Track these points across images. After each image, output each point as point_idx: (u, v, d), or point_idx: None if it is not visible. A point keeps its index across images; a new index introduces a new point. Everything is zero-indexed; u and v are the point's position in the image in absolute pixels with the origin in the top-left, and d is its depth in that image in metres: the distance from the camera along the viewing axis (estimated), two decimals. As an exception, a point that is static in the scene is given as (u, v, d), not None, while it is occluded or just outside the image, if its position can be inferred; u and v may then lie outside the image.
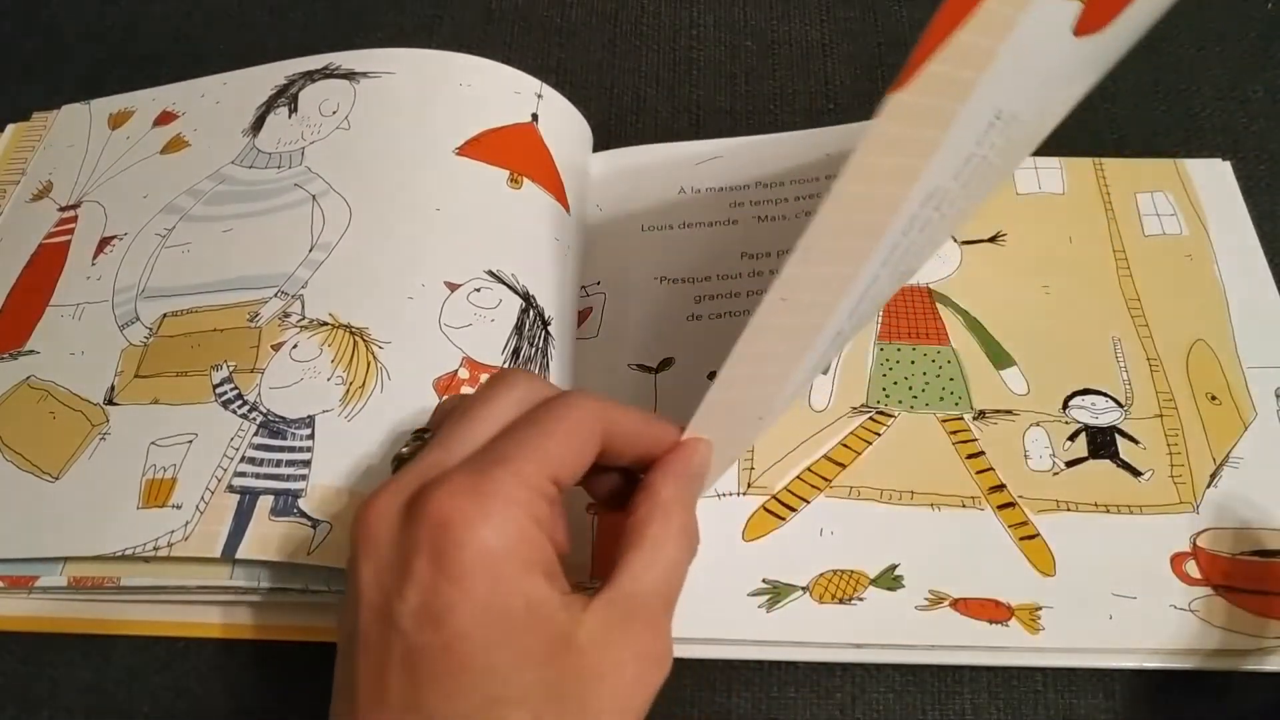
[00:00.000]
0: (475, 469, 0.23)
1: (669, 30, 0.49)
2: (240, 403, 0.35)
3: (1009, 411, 0.36)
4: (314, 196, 0.40)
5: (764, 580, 0.33)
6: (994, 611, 0.32)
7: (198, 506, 0.33)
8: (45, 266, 0.42)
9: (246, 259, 0.39)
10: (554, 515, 0.24)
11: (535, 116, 0.43)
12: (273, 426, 0.34)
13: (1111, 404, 0.37)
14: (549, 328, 0.38)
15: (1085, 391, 0.37)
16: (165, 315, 0.38)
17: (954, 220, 0.29)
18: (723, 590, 0.33)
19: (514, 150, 0.41)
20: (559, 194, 0.42)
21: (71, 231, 0.43)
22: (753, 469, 0.35)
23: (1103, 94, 0.46)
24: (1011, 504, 0.34)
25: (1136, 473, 0.35)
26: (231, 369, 0.36)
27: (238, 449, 0.34)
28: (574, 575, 0.25)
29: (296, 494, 0.32)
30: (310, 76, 0.45)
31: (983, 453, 0.36)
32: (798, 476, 0.35)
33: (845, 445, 0.36)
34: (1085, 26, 0.24)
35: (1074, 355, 0.38)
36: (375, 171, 0.40)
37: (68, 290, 0.40)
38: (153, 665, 0.34)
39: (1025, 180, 0.43)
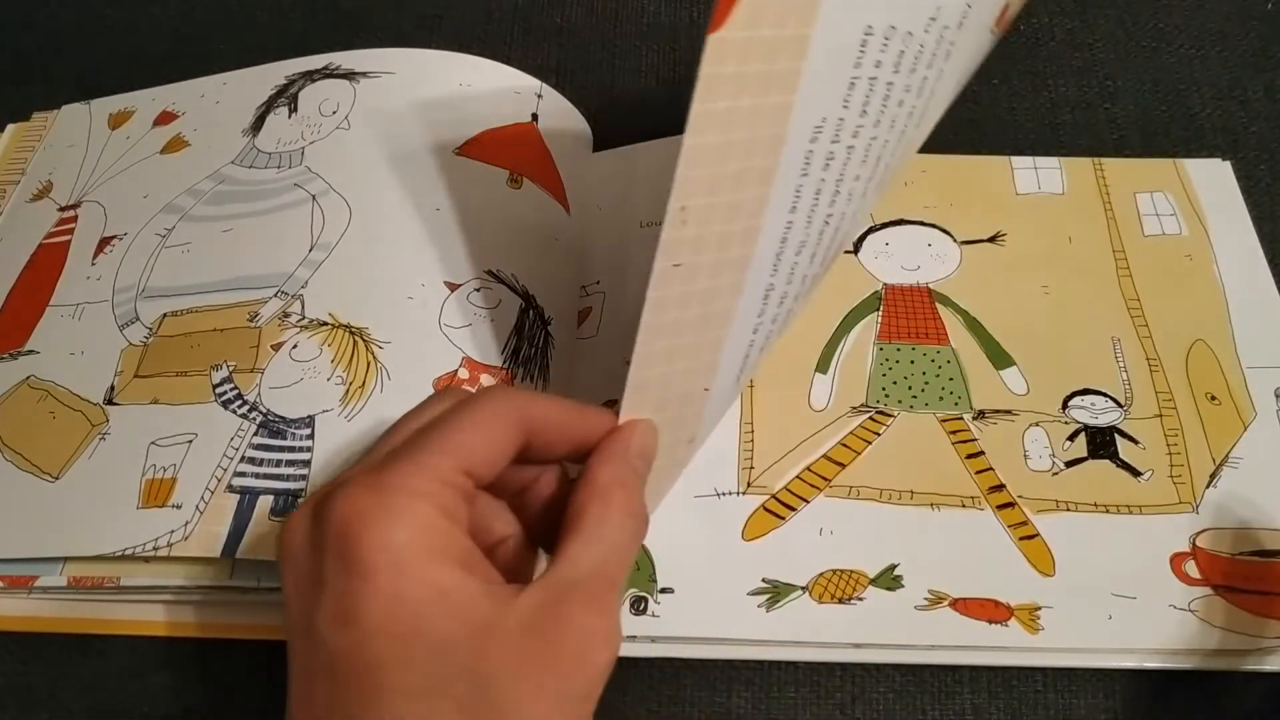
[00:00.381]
0: (376, 468, 0.23)
1: (669, 30, 0.49)
2: (240, 402, 0.35)
3: (1008, 411, 0.36)
4: (314, 196, 0.40)
5: (764, 580, 0.33)
6: (993, 611, 0.32)
7: (197, 506, 0.33)
8: (45, 266, 0.42)
9: (246, 259, 0.39)
10: (474, 505, 0.24)
11: (535, 116, 0.43)
12: (273, 426, 0.34)
13: (1111, 404, 0.37)
14: (549, 328, 0.38)
15: (1085, 391, 0.37)
16: (165, 315, 0.38)
17: (896, 148, 0.27)
18: (722, 589, 0.33)
19: (514, 150, 0.42)
20: (559, 194, 0.42)
21: (71, 231, 0.43)
22: (752, 468, 0.35)
23: (1103, 94, 0.46)
24: (1011, 504, 0.34)
25: (1136, 473, 0.35)
26: (231, 369, 0.36)
27: (238, 449, 0.34)
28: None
29: (296, 494, 0.32)
30: (310, 76, 0.45)
31: (982, 453, 0.36)
32: (797, 476, 0.35)
33: (845, 445, 0.36)
34: None
35: (1073, 355, 0.38)
36: (375, 171, 0.40)
37: (68, 290, 0.40)
38: (153, 665, 0.34)
39: (1025, 180, 0.43)
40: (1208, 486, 0.35)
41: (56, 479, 0.34)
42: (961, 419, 0.36)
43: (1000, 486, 0.35)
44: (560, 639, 0.22)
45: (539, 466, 0.27)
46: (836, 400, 0.37)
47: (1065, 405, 0.37)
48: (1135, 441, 0.36)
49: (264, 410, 0.34)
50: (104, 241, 0.42)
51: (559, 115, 0.44)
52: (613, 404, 0.26)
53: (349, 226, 0.39)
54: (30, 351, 0.39)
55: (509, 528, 0.27)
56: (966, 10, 0.26)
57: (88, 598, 0.34)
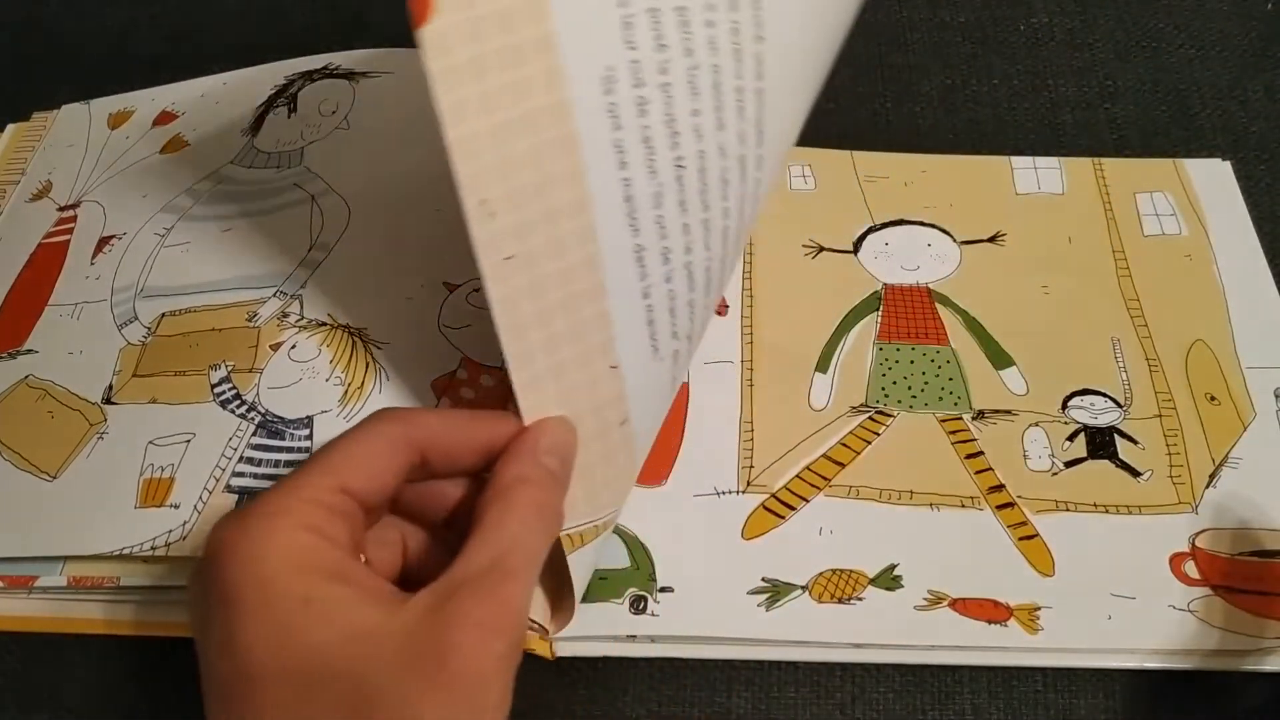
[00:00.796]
0: (253, 499, 0.24)
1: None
2: (238, 402, 0.35)
3: (1008, 411, 0.36)
4: (313, 196, 0.40)
5: (763, 579, 0.33)
6: (993, 612, 0.32)
7: (196, 506, 0.33)
8: (44, 266, 0.42)
9: (245, 259, 0.39)
10: (354, 522, 0.24)
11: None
12: (271, 427, 0.34)
13: (1111, 404, 0.37)
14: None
15: (1084, 392, 0.37)
16: (164, 315, 0.38)
17: (740, 69, 0.26)
18: (722, 588, 0.33)
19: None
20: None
21: (70, 231, 0.43)
22: (752, 467, 0.35)
23: (1103, 94, 0.46)
24: (1010, 504, 0.34)
25: (1135, 473, 0.35)
26: (230, 368, 0.36)
27: (236, 449, 0.34)
28: None
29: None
30: (310, 76, 0.45)
31: (982, 453, 0.36)
32: (797, 475, 0.35)
33: (844, 444, 0.36)
34: None
35: (1073, 355, 0.38)
36: (375, 171, 0.40)
37: (66, 290, 0.40)
38: (152, 665, 0.34)
39: (1025, 180, 0.43)
40: (1207, 487, 0.35)
41: (54, 478, 0.34)
42: (961, 419, 0.36)
43: (1000, 486, 0.35)
44: (447, 634, 0.22)
45: (460, 480, 0.27)
46: (836, 400, 0.37)
47: (1065, 405, 0.37)
48: (1135, 442, 0.36)
49: (262, 410, 0.34)
50: (103, 241, 0.42)
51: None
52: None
53: (348, 226, 0.39)
54: (29, 351, 0.39)
55: (421, 543, 0.27)
56: None
57: (88, 598, 0.34)
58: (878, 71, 0.47)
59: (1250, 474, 0.35)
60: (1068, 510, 0.34)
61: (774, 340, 0.38)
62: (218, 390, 0.35)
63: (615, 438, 0.29)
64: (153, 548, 0.32)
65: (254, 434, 0.34)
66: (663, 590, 0.33)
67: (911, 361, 0.38)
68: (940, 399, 0.37)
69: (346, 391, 0.34)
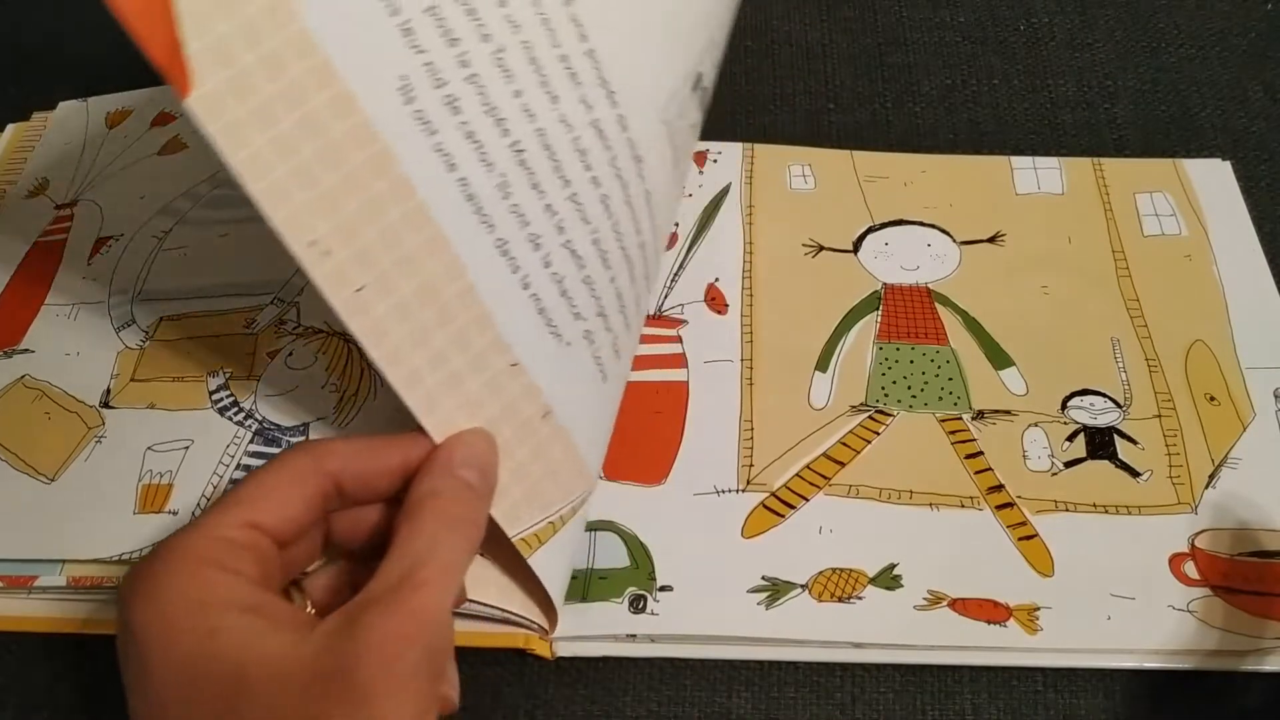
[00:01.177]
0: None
1: (668, 30, 0.49)
2: (236, 409, 0.35)
3: (1008, 412, 0.36)
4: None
5: (763, 577, 0.33)
6: (992, 612, 0.32)
7: (194, 512, 0.33)
8: (40, 264, 0.41)
9: (242, 264, 0.39)
10: (263, 554, 0.24)
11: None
12: (268, 434, 0.34)
13: (1110, 404, 0.37)
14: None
15: (1084, 392, 0.37)
16: (161, 319, 0.38)
17: (554, 41, 0.25)
18: (722, 586, 0.33)
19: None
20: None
21: (67, 230, 0.43)
22: (752, 466, 0.35)
23: (1103, 94, 0.46)
24: (1010, 504, 0.34)
25: (1135, 473, 0.35)
26: (228, 376, 0.36)
27: (234, 456, 0.34)
28: None
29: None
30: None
31: (981, 453, 0.36)
32: (797, 474, 0.35)
33: (844, 444, 0.36)
34: None
35: (1073, 356, 0.38)
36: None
37: (63, 289, 0.40)
38: (151, 666, 0.34)
39: (1025, 180, 0.43)
40: (1206, 487, 0.35)
41: (53, 480, 0.34)
42: (961, 419, 0.36)
43: (999, 487, 0.35)
44: (352, 650, 0.22)
45: (382, 505, 0.27)
46: (836, 399, 0.37)
47: (1064, 406, 0.37)
48: (1134, 442, 0.36)
49: (259, 418, 0.34)
50: (100, 242, 0.42)
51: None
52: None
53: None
54: (25, 350, 0.38)
55: (360, 571, 0.27)
56: None
57: (87, 598, 0.34)
58: (878, 71, 0.47)
59: (1250, 474, 0.35)
60: (1067, 510, 0.34)
61: (774, 339, 0.38)
62: (216, 397, 0.35)
63: (543, 432, 0.29)
64: (152, 550, 0.32)
65: (251, 441, 0.34)
66: (662, 589, 0.33)
67: (911, 361, 0.38)
68: (940, 399, 0.37)
69: (342, 399, 0.34)
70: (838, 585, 0.33)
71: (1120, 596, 0.32)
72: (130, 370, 0.37)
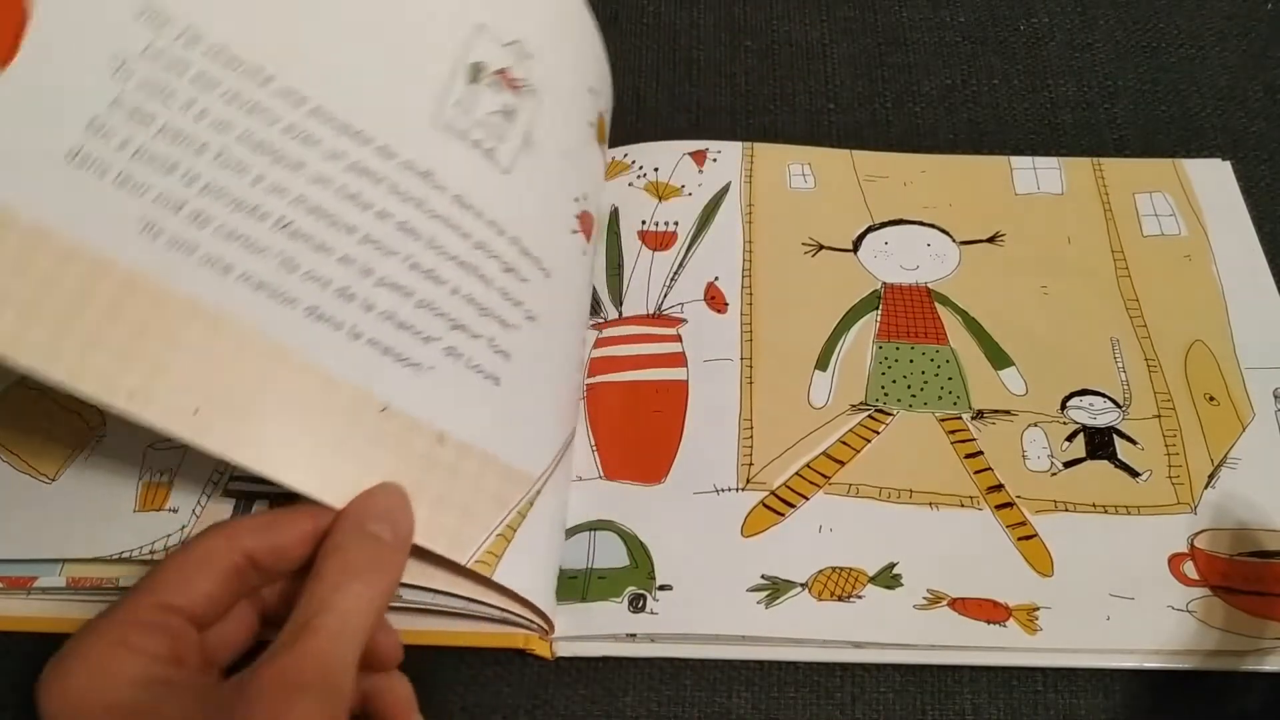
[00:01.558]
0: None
1: (669, 30, 0.49)
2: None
3: (1007, 411, 0.36)
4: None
5: (763, 576, 0.33)
6: (992, 611, 0.32)
7: (194, 511, 0.33)
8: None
9: None
10: (175, 633, 0.25)
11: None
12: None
13: (1110, 404, 0.37)
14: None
15: (1083, 392, 0.37)
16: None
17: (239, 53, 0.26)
18: (721, 585, 0.33)
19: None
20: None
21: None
22: (752, 464, 0.35)
23: (1103, 94, 0.46)
24: (1010, 504, 0.34)
25: (1134, 473, 0.35)
26: None
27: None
28: None
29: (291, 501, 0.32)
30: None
31: (981, 452, 0.36)
32: (797, 473, 0.35)
33: (844, 443, 0.36)
34: None
35: (1072, 356, 0.38)
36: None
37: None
38: (151, 665, 0.34)
39: (1024, 180, 0.43)
40: (1206, 487, 0.35)
41: (53, 480, 0.34)
42: (960, 419, 0.36)
43: (999, 486, 0.35)
44: (246, 699, 0.23)
45: (302, 573, 0.27)
46: (836, 398, 0.37)
47: (1064, 406, 0.37)
48: (1134, 442, 0.36)
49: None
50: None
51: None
52: None
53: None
54: None
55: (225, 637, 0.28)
56: None
57: (87, 598, 0.34)
58: (878, 71, 0.47)
59: (1249, 474, 0.35)
60: (1067, 510, 0.34)
61: (773, 338, 0.38)
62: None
63: (448, 456, 0.29)
64: (151, 551, 0.32)
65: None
66: (662, 588, 0.33)
67: (911, 361, 0.38)
68: (939, 398, 0.37)
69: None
70: (837, 584, 0.33)
71: (1120, 596, 0.32)
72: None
